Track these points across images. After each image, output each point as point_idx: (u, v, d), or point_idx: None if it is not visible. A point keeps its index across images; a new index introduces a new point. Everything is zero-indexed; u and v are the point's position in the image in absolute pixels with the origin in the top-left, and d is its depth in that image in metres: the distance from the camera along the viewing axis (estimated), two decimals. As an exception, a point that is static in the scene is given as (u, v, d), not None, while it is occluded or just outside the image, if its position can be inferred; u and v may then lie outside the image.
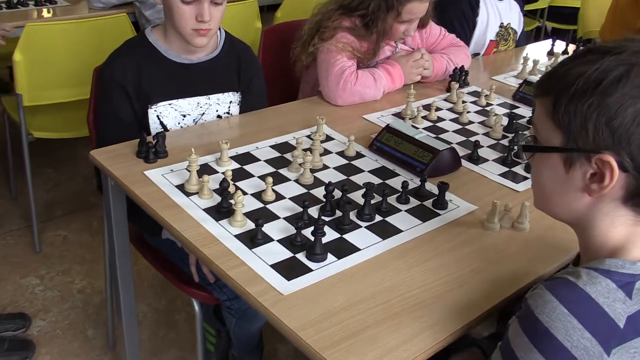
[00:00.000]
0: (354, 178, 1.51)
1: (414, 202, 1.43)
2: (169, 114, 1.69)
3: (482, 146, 1.69)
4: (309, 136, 1.68)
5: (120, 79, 1.63)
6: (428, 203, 1.43)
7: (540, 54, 2.54)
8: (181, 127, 1.72)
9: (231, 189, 1.38)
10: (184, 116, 1.71)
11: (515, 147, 1.60)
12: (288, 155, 1.58)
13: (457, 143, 1.73)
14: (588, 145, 0.88)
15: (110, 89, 1.64)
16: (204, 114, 1.74)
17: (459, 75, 2.13)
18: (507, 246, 1.30)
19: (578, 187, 0.92)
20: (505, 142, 1.73)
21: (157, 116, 1.67)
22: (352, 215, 1.34)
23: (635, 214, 0.91)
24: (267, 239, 1.25)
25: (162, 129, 1.68)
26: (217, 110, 1.76)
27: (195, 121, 1.73)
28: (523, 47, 2.61)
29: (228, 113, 1.79)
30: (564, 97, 0.89)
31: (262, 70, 1.87)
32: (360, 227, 1.32)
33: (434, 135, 1.76)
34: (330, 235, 1.28)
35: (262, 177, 1.46)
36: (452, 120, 1.89)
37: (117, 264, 1.63)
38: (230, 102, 1.78)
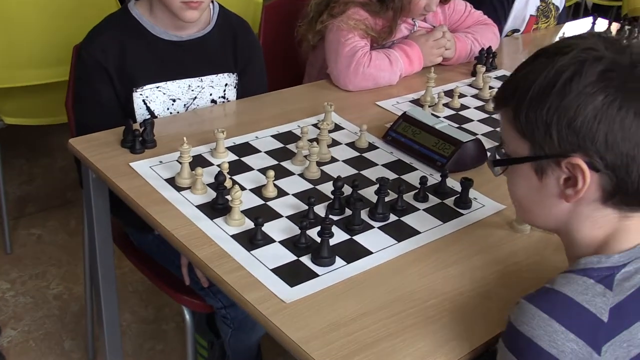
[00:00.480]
0: (365, 172, 1.51)
1: (433, 200, 1.43)
2: (157, 99, 1.69)
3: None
4: (315, 125, 1.68)
5: (101, 59, 1.63)
6: (449, 201, 1.43)
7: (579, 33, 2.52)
8: (170, 113, 1.72)
9: (227, 183, 1.38)
10: (174, 101, 1.71)
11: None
12: (292, 146, 1.58)
13: (482, 134, 1.73)
14: (555, 151, 0.94)
15: (89, 71, 1.64)
16: (195, 98, 1.74)
17: (486, 57, 2.12)
18: (538, 250, 1.30)
19: (554, 194, 0.97)
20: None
21: (143, 101, 1.67)
22: (364, 215, 1.34)
23: (619, 211, 0.96)
24: (268, 240, 1.25)
25: (149, 116, 1.68)
26: (210, 94, 1.76)
27: (186, 107, 1.74)
28: (561, 26, 2.61)
29: (223, 97, 1.79)
30: (523, 106, 0.95)
31: (261, 49, 1.87)
32: (373, 227, 1.32)
33: (457, 125, 1.76)
34: (338, 236, 1.28)
35: (263, 171, 1.46)
36: (478, 108, 1.89)
37: (98, 267, 1.63)
38: (226, 84, 1.78)
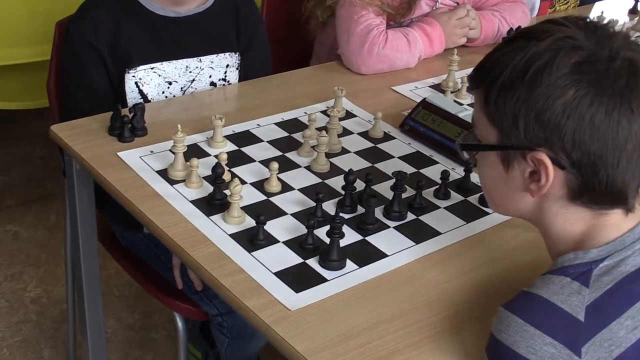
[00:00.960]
0: (380, 165, 1.51)
1: (455, 197, 1.43)
2: (151, 81, 1.69)
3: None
4: (324, 112, 1.68)
5: (92, 39, 1.63)
6: (474, 198, 1.42)
7: (619, 13, 2.52)
8: (166, 97, 1.72)
9: (226, 176, 1.38)
10: (170, 84, 1.72)
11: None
12: (298, 136, 1.58)
13: (511, 124, 1.73)
14: (521, 142, 0.97)
15: (79, 52, 1.64)
16: (194, 80, 1.74)
17: (516, 38, 2.11)
18: (573, 255, 1.30)
19: (519, 187, 1.01)
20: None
21: (136, 83, 1.67)
22: (378, 213, 1.34)
23: (591, 210, 0.99)
24: (271, 240, 1.26)
25: (142, 100, 1.69)
26: (210, 77, 1.76)
27: (183, 90, 1.74)
28: (590, 6, 2.59)
29: (224, 80, 1.79)
30: (494, 90, 0.98)
31: (264, 25, 1.87)
32: (388, 227, 1.32)
33: (483, 114, 1.76)
34: (350, 237, 1.28)
35: (265, 163, 1.46)
36: (506, 94, 1.89)
37: (81, 268, 1.64)
38: (227, 65, 1.77)
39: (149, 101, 1.70)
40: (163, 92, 1.72)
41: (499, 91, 0.97)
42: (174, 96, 1.73)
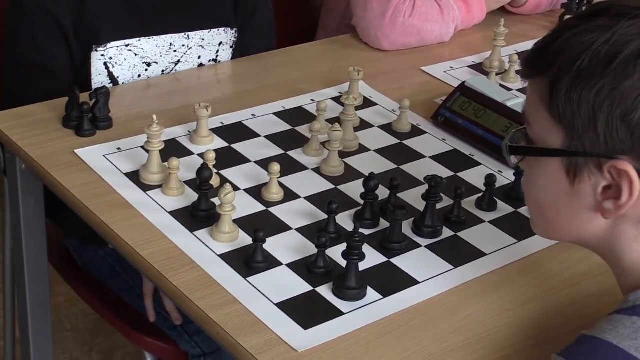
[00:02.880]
0: (408, 168, 1.52)
1: (504, 208, 1.44)
2: (125, 61, 1.70)
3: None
4: (336, 99, 1.69)
5: (52, 9, 1.63)
6: (526, 210, 1.42)
7: None
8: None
9: (214, 181, 1.39)
10: (148, 65, 1.73)
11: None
12: (303, 129, 1.59)
13: (572, 115, 1.74)
14: (598, 148, 0.96)
15: (33, 24, 1.65)
16: (179, 62, 1.75)
17: (578, 4, 2.12)
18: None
19: (588, 206, 1.00)
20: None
21: (105, 64, 1.68)
22: (406, 228, 1.35)
23: None
24: (272, 263, 1.26)
25: (111, 85, 1.69)
26: (199, 57, 1.78)
27: (164, 73, 1.75)
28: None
29: (215, 61, 1.80)
30: (565, 79, 0.96)
31: None
32: (419, 246, 1.33)
33: (536, 102, 1.77)
34: (371, 258, 1.28)
35: (263, 164, 1.47)
36: (565, 78, 1.90)
37: (26, 294, 1.64)
38: (220, 43, 1.79)
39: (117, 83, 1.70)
40: (139, 76, 1.73)
41: (572, 81, 0.95)
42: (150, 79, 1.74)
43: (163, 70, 1.75)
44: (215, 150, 1.46)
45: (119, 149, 1.48)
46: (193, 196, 1.37)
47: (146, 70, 1.73)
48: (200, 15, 1.75)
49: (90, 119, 1.51)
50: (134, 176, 1.42)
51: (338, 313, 1.19)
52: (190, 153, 1.50)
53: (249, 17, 1.82)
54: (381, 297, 1.23)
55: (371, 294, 1.23)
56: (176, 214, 1.34)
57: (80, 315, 2.46)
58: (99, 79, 1.69)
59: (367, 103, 1.71)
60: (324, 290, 1.22)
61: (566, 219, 1.04)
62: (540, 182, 1.04)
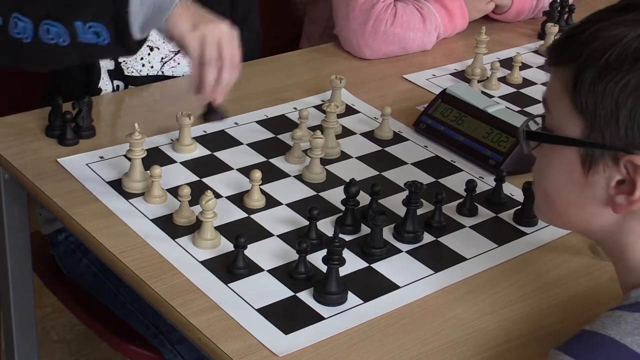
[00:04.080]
0: (389, 174, 1.53)
1: (484, 213, 1.44)
2: None
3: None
4: (318, 107, 1.70)
5: None
6: (507, 215, 1.44)
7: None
8: (143, 65, 1.74)
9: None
10: (151, 49, 1.74)
11: None
12: (286, 137, 1.60)
13: (553, 121, 1.75)
14: (617, 141, 0.96)
15: None
16: (178, 52, 1.76)
17: (559, 12, 2.13)
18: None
19: (599, 198, 1.00)
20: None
21: None
22: (387, 234, 1.35)
23: None
24: (253, 269, 1.27)
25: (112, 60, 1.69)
26: None
27: (163, 61, 1.76)
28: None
29: None
30: (591, 71, 0.96)
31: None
32: (400, 252, 1.34)
33: (518, 109, 1.77)
34: (352, 264, 1.29)
35: (245, 171, 1.47)
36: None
37: (10, 305, 1.64)
38: None
39: (119, 65, 1.71)
40: (142, 59, 1.74)
41: (598, 73, 0.95)
42: (152, 67, 1.75)
43: (162, 58, 1.76)
44: (197, 159, 1.48)
45: (101, 157, 1.49)
46: (175, 204, 1.37)
47: (148, 54, 1.74)
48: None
49: (73, 128, 1.52)
50: (116, 184, 1.42)
51: (319, 318, 1.19)
52: (173, 161, 1.50)
53: (244, 19, 1.83)
54: (362, 301, 1.23)
55: (352, 298, 1.23)
56: (158, 222, 1.35)
57: (67, 327, 2.45)
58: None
59: (350, 111, 1.71)
60: (305, 296, 1.23)
61: (575, 209, 1.04)
62: (553, 171, 1.04)
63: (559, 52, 1.03)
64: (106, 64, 1.70)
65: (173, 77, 1.79)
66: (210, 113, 1.40)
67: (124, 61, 1.72)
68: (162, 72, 1.78)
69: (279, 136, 1.60)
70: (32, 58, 1.35)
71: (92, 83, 1.71)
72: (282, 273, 1.26)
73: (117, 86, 1.74)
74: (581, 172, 1.00)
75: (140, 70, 1.75)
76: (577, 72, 0.97)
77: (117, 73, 1.73)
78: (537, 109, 1.78)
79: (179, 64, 1.78)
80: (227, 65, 1.35)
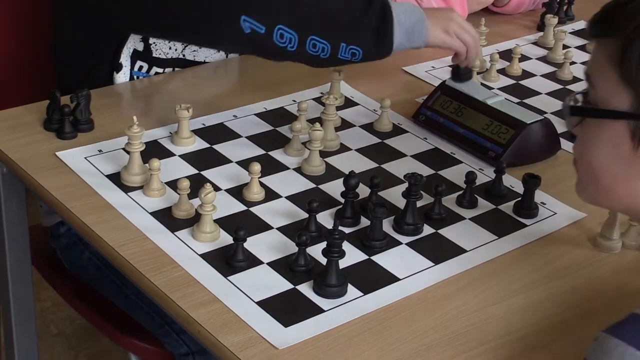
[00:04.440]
0: (389, 166, 1.53)
1: (484, 205, 1.44)
2: None
3: (594, 118, 1.70)
4: (318, 99, 1.70)
5: None
6: (507, 207, 1.44)
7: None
8: (170, 48, 1.74)
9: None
10: None
11: None
12: (285, 129, 1.60)
13: (553, 112, 1.74)
14: None
15: None
16: None
17: (559, 3, 2.14)
18: (633, 276, 1.31)
19: None
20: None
21: None
22: (387, 226, 1.35)
23: None
24: (253, 262, 1.27)
25: (141, 40, 1.69)
26: None
27: (184, 45, 1.75)
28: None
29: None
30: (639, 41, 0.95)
31: None
32: (400, 244, 1.34)
33: (517, 100, 1.77)
34: (352, 256, 1.29)
35: (244, 164, 1.47)
36: (546, 75, 1.91)
37: (10, 300, 1.64)
38: None
39: (149, 44, 1.70)
40: (168, 42, 1.73)
41: None
42: (176, 49, 1.74)
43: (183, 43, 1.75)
44: (196, 151, 1.47)
45: (100, 151, 1.49)
46: (174, 197, 1.37)
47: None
48: None
49: (71, 121, 1.52)
50: (115, 178, 1.42)
51: (319, 310, 1.19)
52: (172, 154, 1.50)
53: None
54: (362, 294, 1.23)
55: (352, 291, 1.23)
56: (157, 215, 1.35)
57: (67, 320, 2.45)
58: (132, 44, 1.69)
59: (349, 103, 1.71)
60: (305, 288, 1.23)
61: (622, 185, 1.02)
62: (599, 146, 1.02)
63: (603, 25, 1.01)
64: (135, 44, 1.69)
65: (194, 61, 1.79)
66: (460, 74, 1.66)
67: (154, 42, 1.72)
68: (184, 56, 1.77)
69: (278, 129, 1.60)
70: (289, 59, 1.55)
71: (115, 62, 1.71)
72: (282, 266, 1.26)
73: (141, 67, 1.73)
74: (630, 145, 0.98)
75: (167, 53, 1.75)
76: (625, 43, 0.96)
77: (144, 54, 1.72)
78: (538, 101, 1.79)
79: (197, 50, 1.77)
80: (473, 45, 1.63)
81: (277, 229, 1.34)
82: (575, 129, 1.06)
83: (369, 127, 1.64)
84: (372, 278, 1.26)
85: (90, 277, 1.76)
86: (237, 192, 1.42)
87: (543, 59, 1.97)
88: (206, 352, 1.61)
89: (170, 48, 1.74)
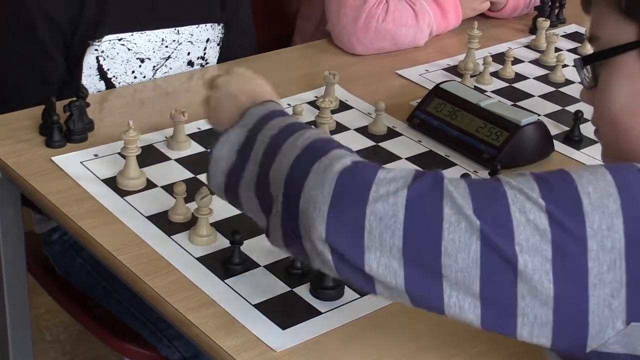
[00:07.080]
0: (384, 169, 1.53)
1: (479, 207, 1.45)
2: (117, 56, 1.70)
3: (587, 120, 1.70)
4: (312, 102, 1.70)
5: (53, 12, 1.63)
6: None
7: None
8: (135, 77, 1.74)
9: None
10: (142, 61, 1.74)
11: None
12: (280, 133, 1.60)
13: (546, 115, 1.75)
14: None
15: (30, 25, 1.64)
16: (169, 57, 1.76)
17: (550, 7, 2.14)
18: None
19: None
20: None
21: (97, 58, 1.68)
22: (383, 228, 1.36)
23: None
24: (250, 265, 1.27)
25: (99, 78, 1.69)
26: (188, 54, 1.79)
27: (155, 69, 1.76)
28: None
29: (203, 58, 1.82)
30: None
31: None
32: (396, 246, 1.34)
33: (511, 103, 1.78)
34: (348, 258, 1.29)
35: (240, 167, 1.47)
36: (539, 78, 1.92)
37: (5, 305, 1.63)
38: (208, 40, 1.81)
39: (110, 81, 1.71)
40: (133, 72, 1.73)
41: None
42: (144, 77, 1.74)
43: (154, 66, 1.76)
44: (192, 156, 1.47)
45: (96, 155, 1.49)
46: (171, 200, 1.37)
47: (140, 66, 1.74)
48: (189, 9, 1.77)
49: (64, 131, 1.51)
50: (111, 182, 1.42)
51: (316, 313, 1.19)
52: (168, 158, 1.50)
53: (234, 14, 1.84)
54: (358, 296, 1.23)
55: (348, 293, 1.23)
56: (153, 219, 1.35)
57: (61, 327, 2.45)
58: (89, 72, 1.69)
59: (343, 106, 1.71)
60: (302, 291, 1.23)
61: None
62: (614, 88, 1.01)
63: None
64: (95, 84, 1.70)
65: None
66: None
67: (114, 76, 1.72)
68: (154, 79, 1.78)
69: (273, 132, 1.60)
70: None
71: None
72: (279, 269, 1.26)
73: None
74: None
75: (132, 82, 1.75)
76: None
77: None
78: (532, 104, 1.79)
79: (170, 69, 1.77)
80: None
81: (274, 232, 1.35)
82: (588, 97, 1.06)
83: (363, 130, 1.64)
84: (368, 280, 1.27)
85: (82, 284, 1.76)
86: (233, 195, 1.42)
87: (535, 62, 1.98)
88: (199, 357, 1.62)
89: (135, 77, 1.75)
